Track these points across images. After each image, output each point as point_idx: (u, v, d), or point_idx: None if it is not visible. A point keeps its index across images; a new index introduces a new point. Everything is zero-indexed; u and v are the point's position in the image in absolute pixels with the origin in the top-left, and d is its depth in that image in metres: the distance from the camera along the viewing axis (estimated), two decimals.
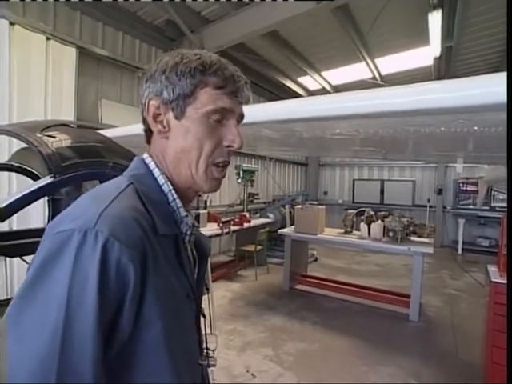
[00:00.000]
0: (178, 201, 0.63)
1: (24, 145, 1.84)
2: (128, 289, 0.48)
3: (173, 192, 0.62)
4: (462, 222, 7.92)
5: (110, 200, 0.52)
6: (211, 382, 0.77)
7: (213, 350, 0.74)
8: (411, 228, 4.55)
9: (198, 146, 0.60)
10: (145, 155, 0.66)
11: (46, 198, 2.07)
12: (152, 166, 0.64)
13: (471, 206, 8.04)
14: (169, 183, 0.63)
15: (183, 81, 0.59)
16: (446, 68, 6.09)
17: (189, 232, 0.65)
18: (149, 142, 0.68)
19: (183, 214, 0.63)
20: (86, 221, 0.48)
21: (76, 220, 0.48)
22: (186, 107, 0.60)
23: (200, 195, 5.94)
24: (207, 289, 0.81)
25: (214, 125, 0.60)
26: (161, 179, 0.62)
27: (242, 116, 0.66)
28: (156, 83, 0.61)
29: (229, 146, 0.63)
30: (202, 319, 0.73)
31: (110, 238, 0.47)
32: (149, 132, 0.67)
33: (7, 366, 0.43)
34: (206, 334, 0.76)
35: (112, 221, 0.48)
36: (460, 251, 7.82)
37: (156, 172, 0.63)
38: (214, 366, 0.72)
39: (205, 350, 0.72)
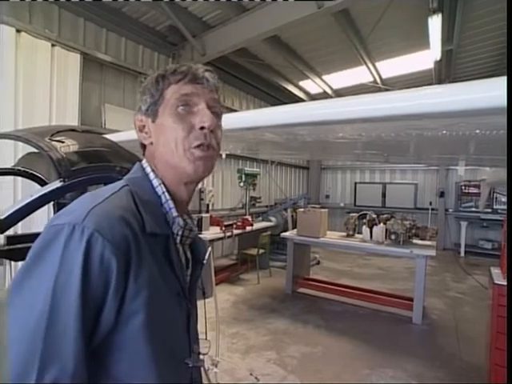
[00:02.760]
0: (170, 202, 0.66)
1: (30, 149, 1.86)
2: (111, 281, 0.51)
3: (166, 194, 0.66)
4: (464, 224, 7.91)
5: (101, 199, 0.57)
6: (211, 380, 0.78)
7: (204, 354, 0.76)
8: (413, 231, 4.55)
9: (173, 135, 0.64)
10: (143, 161, 0.72)
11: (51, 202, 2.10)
12: (148, 170, 0.69)
13: (473, 209, 8.03)
14: (162, 186, 0.67)
15: (152, 90, 0.68)
16: (446, 71, 6.12)
17: (180, 233, 0.68)
18: (144, 153, 0.75)
19: (175, 214, 0.66)
20: (76, 216, 0.52)
21: (69, 215, 0.53)
22: (157, 109, 0.67)
23: (202, 198, 5.96)
24: (204, 293, 0.83)
25: (183, 114, 0.65)
26: (155, 182, 0.67)
27: (214, 101, 0.69)
28: (137, 104, 0.71)
29: (202, 128, 0.65)
30: (198, 322, 0.74)
31: (95, 233, 0.51)
32: (142, 145, 0.74)
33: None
34: (198, 337, 0.77)
35: (98, 218, 0.53)
36: (462, 254, 7.81)
37: (151, 175, 0.68)
38: (200, 366, 0.73)
39: (195, 352, 0.72)
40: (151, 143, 0.69)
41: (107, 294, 0.51)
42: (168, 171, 0.67)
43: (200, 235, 0.80)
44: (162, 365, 0.58)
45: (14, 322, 0.47)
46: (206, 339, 0.80)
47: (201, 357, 0.74)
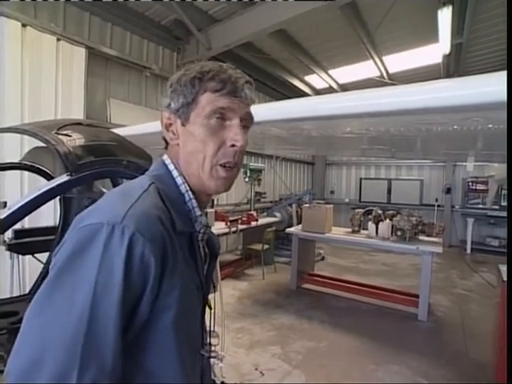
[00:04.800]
0: (193, 201, 0.67)
1: (36, 144, 1.86)
2: (149, 279, 0.52)
3: (189, 192, 0.67)
4: (470, 221, 7.83)
5: (135, 198, 0.56)
6: (216, 375, 0.81)
7: (214, 345, 0.78)
8: (420, 227, 4.51)
9: (202, 148, 0.63)
10: (165, 157, 0.70)
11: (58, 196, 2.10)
12: (171, 167, 0.68)
13: (480, 206, 7.94)
14: (186, 184, 0.67)
15: (185, 90, 0.64)
16: (455, 65, 6.01)
17: (202, 230, 0.69)
18: (166, 148, 0.73)
19: (198, 213, 0.67)
20: (113, 216, 0.52)
21: (104, 215, 0.52)
22: (189, 113, 0.64)
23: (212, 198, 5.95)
24: (214, 286, 0.84)
25: (216, 127, 0.63)
26: (179, 180, 0.67)
27: (248, 116, 0.68)
28: (166, 97, 0.68)
29: (233, 146, 0.64)
30: (206, 314, 0.77)
31: (136, 233, 0.51)
32: (166, 140, 0.72)
33: (31, 342, 0.46)
34: (210, 329, 0.79)
35: (137, 218, 0.52)
36: (469, 251, 7.74)
37: (175, 173, 0.67)
38: (214, 357, 0.76)
39: (207, 343, 0.75)
40: (177, 144, 0.68)
41: (144, 292, 0.52)
42: (191, 176, 0.67)
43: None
44: (184, 356, 0.61)
45: (51, 322, 0.47)
46: (213, 331, 0.81)
47: (212, 348, 0.76)
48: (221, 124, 0.64)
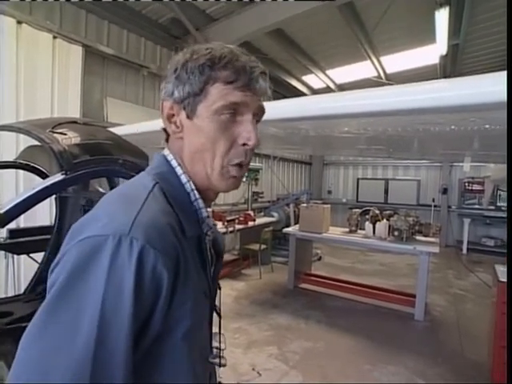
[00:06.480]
0: (200, 201, 0.61)
1: (31, 142, 1.85)
2: (161, 293, 0.47)
3: (195, 192, 0.61)
4: (467, 221, 7.86)
5: (141, 203, 0.50)
6: (218, 379, 0.77)
7: (223, 350, 0.74)
8: (417, 227, 4.53)
9: (211, 146, 0.57)
10: (166, 152, 0.64)
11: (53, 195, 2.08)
12: (174, 163, 0.62)
13: (477, 206, 7.99)
14: (191, 182, 0.61)
15: (192, 78, 0.57)
16: (452, 66, 6.04)
17: (209, 232, 0.65)
18: (167, 140, 0.66)
19: (205, 214, 0.62)
20: (119, 226, 0.46)
21: (108, 225, 0.46)
22: (196, 105, 0.58)
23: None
24: (219, 288, 0.81)
25: (226, 122, 0.57)
26: (183, 178, 0.61)
27: (260, 110, 0.61)
28: (168, 83, 0.60)
29: (244, 145, 0.58)
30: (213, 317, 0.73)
31: (146, 245, 0.45)
32: (166, 132, 0.66)
33: (30, 371, 0.41)
34: (219, 332, 0.76)
35: (146, 227, 0.47)
36: (465, 251, 7.78)
37: (178, 170, 0.61)
38: (224, 365, 0.71)
39: (214, 349, 0.72)
40: (180, 138, 0.61)
41: (156, 306, 0.47)
42: (197, 174, 0.61)
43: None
44: (197, 367, 0.57)
45: (53, 349, 0.41)
46: (221, 333, 0.78)
47: (221, 353, 0.72)
48: (232, 119, 0.57)
